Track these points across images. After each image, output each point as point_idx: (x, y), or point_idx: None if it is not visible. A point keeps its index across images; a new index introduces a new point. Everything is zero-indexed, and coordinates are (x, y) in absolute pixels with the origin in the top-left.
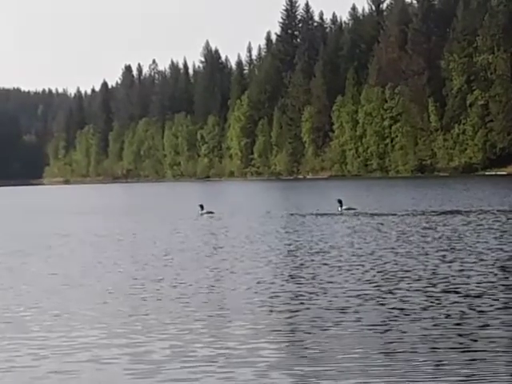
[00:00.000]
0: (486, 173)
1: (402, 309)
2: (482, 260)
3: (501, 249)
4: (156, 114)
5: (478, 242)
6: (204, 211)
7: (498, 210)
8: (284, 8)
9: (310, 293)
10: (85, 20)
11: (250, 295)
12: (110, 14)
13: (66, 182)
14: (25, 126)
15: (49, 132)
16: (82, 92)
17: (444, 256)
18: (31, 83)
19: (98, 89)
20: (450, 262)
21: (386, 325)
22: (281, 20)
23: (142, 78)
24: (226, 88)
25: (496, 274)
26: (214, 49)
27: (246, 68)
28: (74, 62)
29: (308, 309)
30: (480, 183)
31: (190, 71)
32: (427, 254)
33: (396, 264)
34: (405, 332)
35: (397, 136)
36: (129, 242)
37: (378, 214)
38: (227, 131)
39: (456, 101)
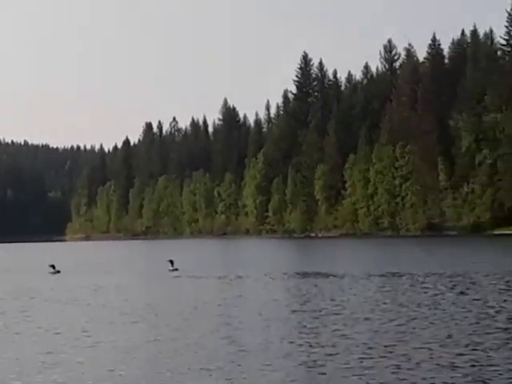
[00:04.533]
0: (495, 232)
1: None
2: None
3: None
4: (175, 172)
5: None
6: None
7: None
8: (298, 66)
9: None
10: (112, 77)
11: None
12: (133, 71)
13: (87, 239)
14: (52, 182)
15: (73, 188)
16: (106, 149)
17: None
18: (59, 140)
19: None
20: None
21: None
22: (295, 78)
23: (162, 135)
24: (243, 146)
25: None
26: (231, 106)
27: (265, 126)
28: (101, 119)
29: None
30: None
31: (210, 129)
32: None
33: None
34: None
35: (407, 194)
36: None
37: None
38: (243, 189)
39: (465, 160)
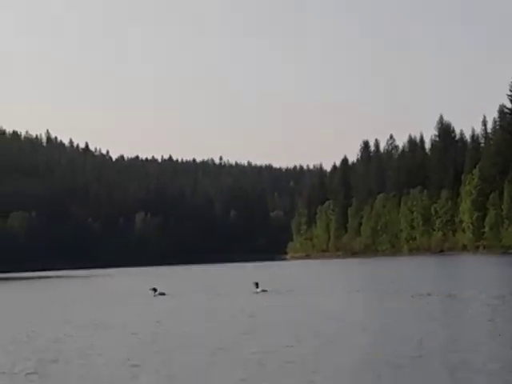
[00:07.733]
0: None
1: None
2: None
3: None
4: (393, 189)
5: None
6: (156, 293)
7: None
8: None
9: None
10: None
11: None
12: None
13: (307, 258)
14: (274, 202)
15: (295, 208)
16: (327, 168)
17: None
18: (283, 160)
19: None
20: None
21: None
22: (509, 92)
23: (379, 153)
24: (459, 162)
25: None
26: (447, 122)
27: (482, 142)
28: (321, 138)
29: None
30: None
31: (427, 145)
32: None
33: None
34: None
35: None
36: None
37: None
38: (460, 205)
39: None
